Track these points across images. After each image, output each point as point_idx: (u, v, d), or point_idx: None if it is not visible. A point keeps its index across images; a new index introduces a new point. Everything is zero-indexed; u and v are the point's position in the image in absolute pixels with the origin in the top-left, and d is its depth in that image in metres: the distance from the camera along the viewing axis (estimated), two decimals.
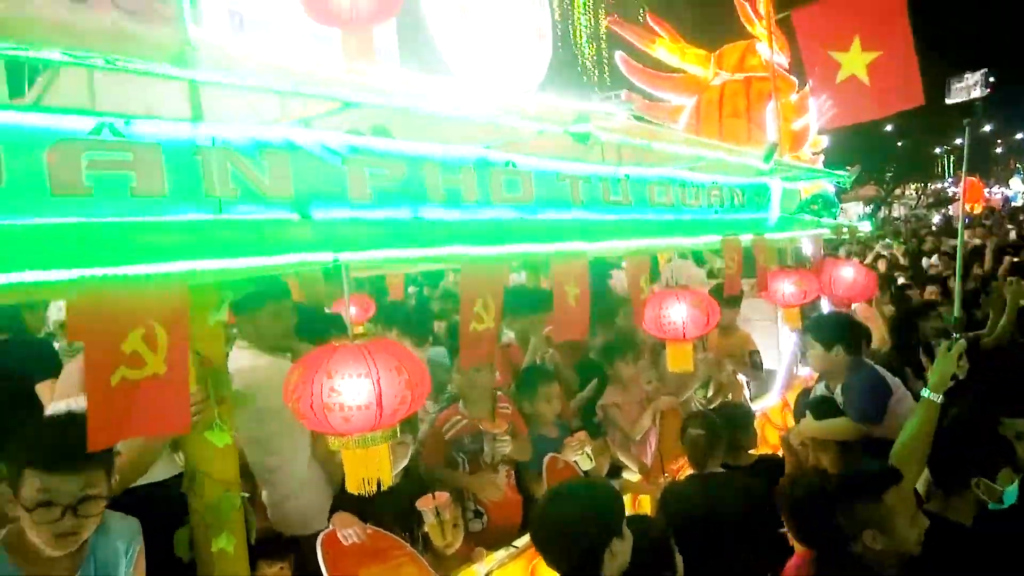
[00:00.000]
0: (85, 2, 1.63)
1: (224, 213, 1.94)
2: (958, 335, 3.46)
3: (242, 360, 3.02)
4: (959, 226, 4.20)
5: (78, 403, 2.06)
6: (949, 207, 36.71)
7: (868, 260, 9.78)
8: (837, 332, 3.85)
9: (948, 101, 4.76)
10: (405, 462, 3.29)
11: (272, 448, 3.13)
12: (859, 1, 6.58)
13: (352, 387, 1.96)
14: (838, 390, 3.84)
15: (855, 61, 6.59)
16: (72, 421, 1.85)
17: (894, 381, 3.79)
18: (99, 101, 2.31)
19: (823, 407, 3.75)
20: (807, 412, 3.77)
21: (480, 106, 2.63)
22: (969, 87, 4.50)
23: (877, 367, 3.87)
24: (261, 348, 3.13)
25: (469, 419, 3.63)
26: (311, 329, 3.31)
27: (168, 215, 1.83)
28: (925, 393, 2.96)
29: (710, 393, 5.17)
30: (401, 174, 2.50)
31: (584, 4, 17.25)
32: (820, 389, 4.06)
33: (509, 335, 4.72)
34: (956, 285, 4.07)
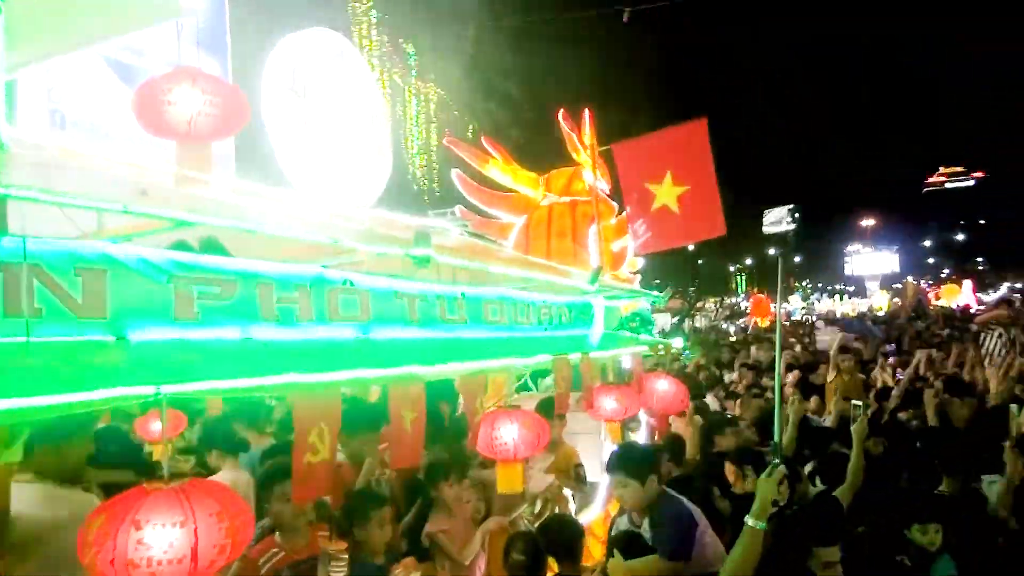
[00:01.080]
0: None
1: (30, 336, 1.71)
2: (778, 459, 3.43)
3: (29, 498, 2.46)
4: (776, 354, 4.43)
5: None
6: (741, 320, 40.53)
7: (690, 369, 10.35)
8: (649, 464, 3.77)
9: (766, 230, 5.32)
10: None
11: None
12: (671, 140, 7.29)
13: (163, 538, 1.73)
14: (645, 524, 3.70)
15: (667, 193, 7.20)
16: None
17: (696, 511, 3.69)
18: None
19: (632, 544, 3.56)
20: (615, 551, 3.53)
21: (318, 226, 2.57)
22: (777, 221, 5.11)
23: (680, 496, 3.76)
24: (51, 481, 2.61)
25: (287, 551, 3.36)
26: (107, 454, 2.94)
27: None
28: (749, 521, 2.92)
29: (536, 509, 5.16)
30: (232, 292, 2.36)
31: (417, 117, 17.84)
32: (623, 523, 3.86)
33: (340, 456, 4.46)
34: (776, 410, 4.04)
